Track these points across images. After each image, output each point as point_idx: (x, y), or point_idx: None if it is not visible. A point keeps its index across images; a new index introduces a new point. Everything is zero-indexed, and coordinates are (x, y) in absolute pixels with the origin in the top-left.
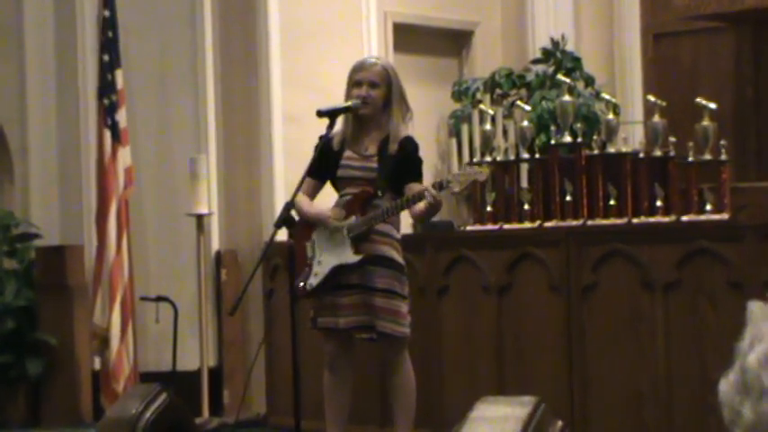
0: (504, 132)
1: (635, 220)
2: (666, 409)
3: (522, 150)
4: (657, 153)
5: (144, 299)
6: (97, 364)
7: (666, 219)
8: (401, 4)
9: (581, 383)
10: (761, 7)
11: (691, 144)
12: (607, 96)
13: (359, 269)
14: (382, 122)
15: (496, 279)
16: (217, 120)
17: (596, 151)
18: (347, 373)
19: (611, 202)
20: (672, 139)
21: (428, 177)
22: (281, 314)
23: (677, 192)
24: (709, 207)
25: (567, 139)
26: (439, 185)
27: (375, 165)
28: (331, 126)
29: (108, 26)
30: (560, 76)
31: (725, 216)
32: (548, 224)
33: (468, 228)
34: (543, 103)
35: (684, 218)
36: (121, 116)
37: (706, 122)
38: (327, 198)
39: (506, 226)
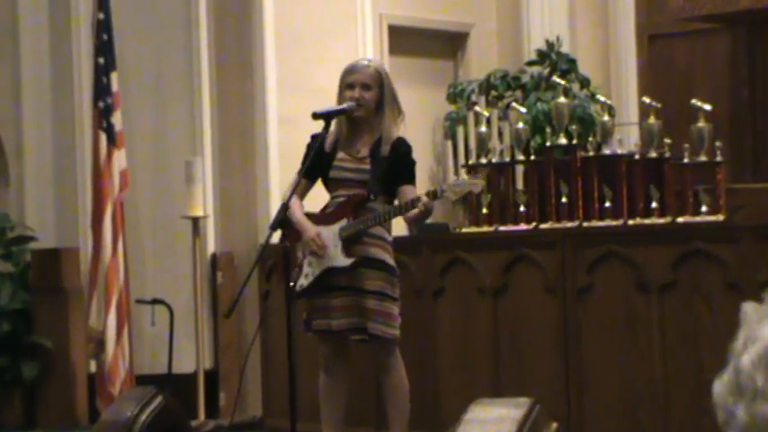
0: (500, 134)
1: (630, 222)
2: (662, 411)
3: (518, 152)
4: (653, 154)
5: (139, 302)
6: (93, 366)
7: (662, 220)
8: (396, 7)
9: (577, 385)
10: (756, 8)
11: (686, 145)
12: (602, 98)
13: (351, 271)
14: (374, 124)
15: (492, 281)
16: (212, 122)
17: (591, 153)
18: (342, 374)
19: (607, 204)
20: (667, 140)
21: (423, 179)
22: (277, 316)
23: (673, 193)
24: (704, 208)
25: (563, 140)
26: (433, 194)
27: (368, 167)
28: (326, 128)
29: (103, 29)
30: (555, 78)
31: (720, 217)
32: (543, 226)
33: (464, 230)
34: (538, 104)
35: (680, 219)
36: (117, 119)
37: (701, 124)
38: (320, 199)
39: (502, 228)
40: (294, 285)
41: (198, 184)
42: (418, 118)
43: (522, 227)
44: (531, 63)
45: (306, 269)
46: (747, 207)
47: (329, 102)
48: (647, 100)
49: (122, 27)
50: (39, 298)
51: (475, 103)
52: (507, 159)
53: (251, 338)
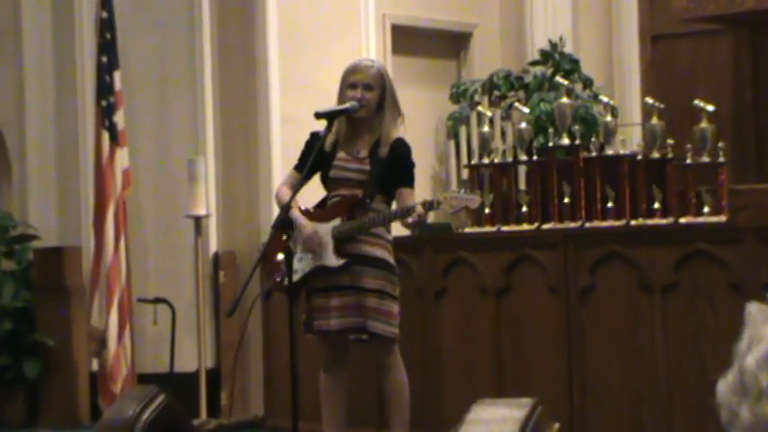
0: (503, 134)
1: (633, 223)
2: (665, 411)
3: (520, 152)
4: (655, 155)
5: (142, 300)
6: (95, 365)
7: (664, 221)
8: (399, 6)
9: (580, 385)
10: (759, 9)
11: (689, 146)
12: (605, 98)
13: (350, 270)
14: (374, 125)
15: (494, 281)
16: (215, 122)
17: (594, 153)
18: (343, 374)
19: (609, 205)
20: (670, 141)
21: (426, 179)
22: (279, 316)
23: (675, 194)
24: (706, 209)
25: (565, 141)
26: (429, 205)
27: (368, 167)
28: (329, 128)
29: (106, 28)
30: (558, 78)
31: (723, 218)
32: (546, 226)
33: (467, 230)
34: (541, 104)
35: (682, 220)
36: (119, 118)
37: (704, 124)
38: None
39: (504, 228)
40: (282, 279)
41: (200, 183)
42: (421, 118)
43: (525, 227)
44: (534, 63)
45: (296, 265)
46: (750, 208)
47: (332, 101)
48: (649, 100)
49: (125, 26)
50: (41, 296)
51: (478, 103)
52: (510, 159)
53: (254, 338)
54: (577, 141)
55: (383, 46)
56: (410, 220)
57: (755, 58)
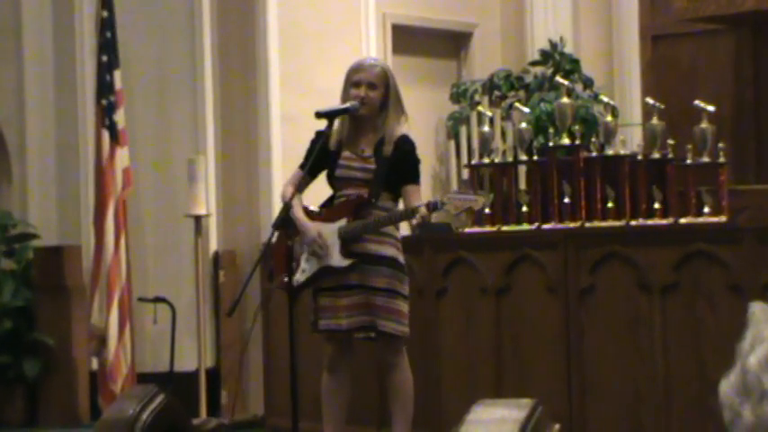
0: (503, 134)
1: (633, 223)
2: (665, 412)
3: (521, 152)
4: (656, 155)
5: (142, 300)
6: (95, 364)
7: (664, 221)
8: (400, 6)
9: (579, 386)
10: (760, 9)
11: (689, 146)
12: (605, 98)
13: (357, 269)
14: (378, 124)
15: (494, 281)
16: (215, 121)
17: (594, 153)
18: (346, 374)
19: (609, 205)
20: (670, 141)
21: (426, 179)
22: (279, 315)
23: (675, 194)
24: (707, 209)
25: (566, 141)
26: (433, 206)
27: (373, 166)
28: (329, 127)
29: (106, 27)
30: (559, 78)
31: (723, 219)
32: (546, 226)
33: (467, 230)
34: (542, 104)
35: (682, 220)
36: (120, 117)
37: (704, 125)
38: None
39: (504, 228)
40: (290, 279)
41: (200, 183)
42: (421, 118)
43: (525, 227)
44: (534, 63)
45: (303, 265)
46: (750, 208)
47: (332, 101)
48: (650, 101)
49: (126, 25)
50: (41, 295)
51: (478, 103)
52: (510, 159)
53: (254, 337)
54: (578, 141)
55: (383, 46)
56: (414, 221)
57: (756, 59)
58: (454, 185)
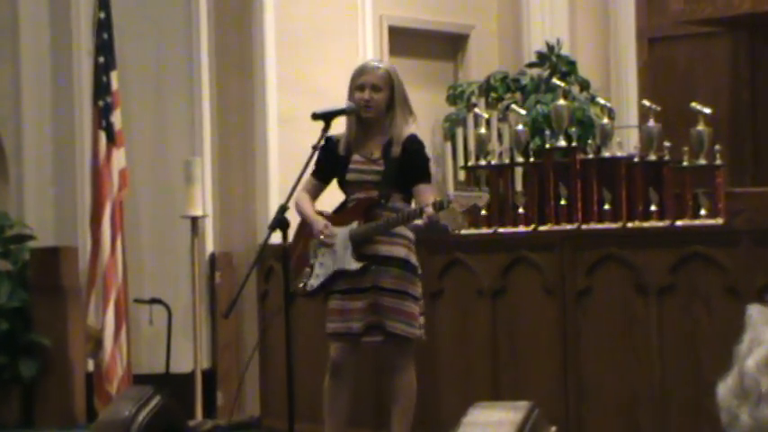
0: (499, 136)
1: (629, 225)
2: (661, 414)
3: (517, 154)
4: (652, 157)
5: (138, 301)
6: (91, 365)
7: (661, 223)
8: (397, 8)
9: (576, 387)
10: (756, 12)
11: (686, 148)
12: (602, 100)
13: (369, 271)
14: (386, 126)
15: (491, 283)
16: (212, 122)
17: (591, 155)
18: (350, 378)
19: (606, 207)
20: (667, 143)
21: None
22: (275, 317)
23: (672, 196)
24: (703, 212)
25: (562, 143)
26: (439, 205)
27: (382, 168)
28: (326, 129)
29: (103, 28)
30: (555, 80)
31: (719, 221)
32: (542, 228)
33: (463, 231)
34: (538, 106)
35: (679, 222)
36: (116, 118)
37: (701, 127)
38: (334, 200)
39: (501, 230)
40: (305, 285)
41: (197, 184)
42: (418, 119)
43: (521, 229)
44: (530, 65)
45: (317, 269)
46: (747, 211)
47: (329, 102)
48: (646, 103)
49: (122, 26)
50: (37, 297)
51: (474, 105)
52: (506, 161)
53: (250, 339)
54: (574, 143)
55: (380, 47)
56: (421, 222)
57: (752, 61)
58: (451, 187)
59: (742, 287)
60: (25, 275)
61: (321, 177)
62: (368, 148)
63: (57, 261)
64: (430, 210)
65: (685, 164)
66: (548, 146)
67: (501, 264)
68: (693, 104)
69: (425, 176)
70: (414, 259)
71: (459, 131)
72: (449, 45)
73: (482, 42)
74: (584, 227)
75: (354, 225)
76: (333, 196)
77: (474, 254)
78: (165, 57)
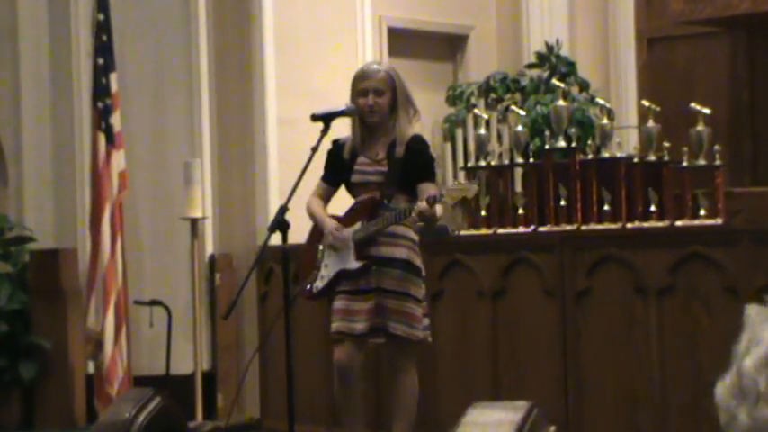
0: (499, 137)
1: (629, 225)
2: (660, 414)
3: (517, 155)
4: (652, 158)
5: (138, 303)
6: (91, 367)
7: (660, 224)
8: (396, 9)
9: (575, 388)
10: (755, 12)
11: (685, 149)
12: (601, 101)
13: (371, 272)
14: (390, 127)
15: (491, 284)
16: (211, 124)
17: (590, 156)
18: (358, 378)
19: (606, 207)
20: (666, 143)
21: None
22: (278, 320)
23: (671, 197)
24: (703, 212)
25: (562, 143)
26: (433, 199)
27: (386, 168)
28: (325, 130)
29: (102, 30)
30: (555, 81)
31: (719, 221)
32: (542, 229)
33: (463, 232)
34: (538, 107)
35: (678, 223)
36: (116, 120)
37: (700, 127)
38: (343, 203)
39: (501, 231)
40: (311, 287)
41: (197, 186)
42: (421, 116)
43: (521, 230)
44: (530, 66)
45: (322, 271)
46: (746, 211)
47: (328, 104)
48: (646, 103)
49: (122, 28)
50: (37, 299)
51: (474, 106)
52: (506, 162)
53: (250, 340)
54: (574, 144)
55: (380, 48)
56: (415, 215)
57: (751, 61)
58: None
59: (741, 287)
60: (25, 277)
61: (330, 181)
62: (373, 150)
63: (56, 263)
64: (421, 205)
65: (685, 164)
66: (547, 147)
67: (501, 264)
68: (693, 105)
69: (429, 175)
70: (417, 261)
71: (459, 132)
72: (448, 46)
73: (481, 43)
74: (583, 227)
75: (357, 226)
76: (345, 201)
77: (474, 255)
78: (164, 58)
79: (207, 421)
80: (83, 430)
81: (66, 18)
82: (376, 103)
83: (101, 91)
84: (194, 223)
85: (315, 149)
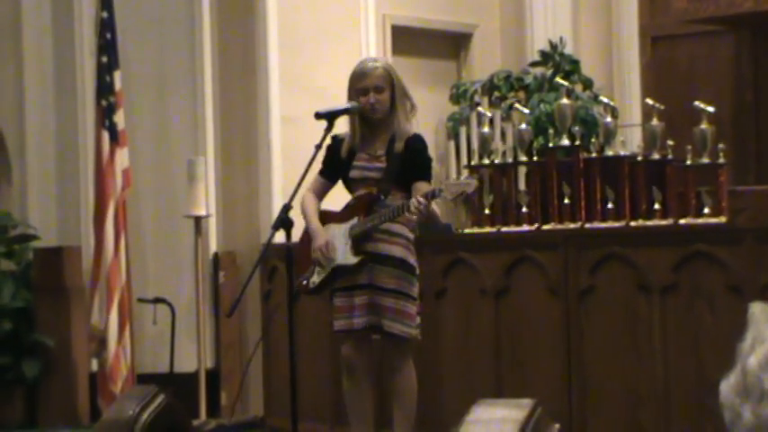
0: (503, 135)
1: (633, 224)
2: (664, 412)
3: (520, 153)
4: (655, 156)
5: (141, 300)
6: (94, 365)
7: (664, 222)
8: (399, 7)
9: (579, 386)
10: (759, 11)
11: (689, 147)
12: (605, 99)
13: (367, 269)
14: (389, 123)
15: (494, 282)
16: (215, 122)
17: (594, 154)
18: (365, 375)
19: (609, 205)
20: (670, 142)
21: None
22: (279, 316)
23: (675, 195)
24: (706, 210)
25: (565, 141)
26: (431, 194)
27: (384, 165)
28: (329, 128)
29: (106, 28)
30: (558, 79)
31: (722, 219)
32: (546, 227)
33: (466, 230)
34: (541, 105)
35: (682, 221)
36: (119, 118)
37: (704, 125)
38: (342, 198)
39: (504, 229)
40: (308, 282)
41: (200, 184)
42: (421, 118)
43: (525, 228)
44: (534, 64)
45: (318, 267)
46: (750, 209)
47: (332, 101)
48: (649, 101)
49: (125, 26)
50: (40, 296)
51: (478, 104)
52: (510, 160)
53: (254, 338)
54: (577, 142)
55: (383, 46)
56: (412, 208)
57: (755, 60)
58: None
59: (745, 285)
60: (29, 275)
61: (328, 176)
62: (373, 147)
63: (60, 261)
64: (416, 202)
65: (688, 162)
66: (551, 145)
67: (504, 263)
68: (696, 103)
69: (425, 175)
70: (412, 259)
71: (463, 130)
72: (452, 44)
73: (485, 41)
74: (587, 226)
75: (354, 221)
76: (344, 197)
77: (477, 253)
78: (168, 56)
79: (210, 419)
80: (86, 428)
81: (69, 16)
82: (378, 100)
83: (104, 89)
84: (198, 221)
85: (318, 147)
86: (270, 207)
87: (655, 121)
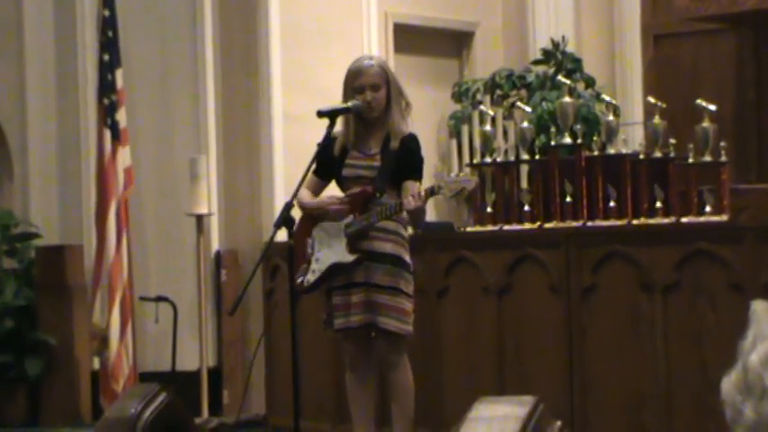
0: (505, 133)
1: (635, 222)
2: (666, 410)
3: (523, 151)
4: (657, 154)
5: (143, 299)
6: (96, 364)
7: (666, 220)
8: (402, 5)
9: (581, 384)
10: (761, 9)
11: (691, 145)
12: (607, 98)
13: (363, 266)
14: (384, 121)
15: (496, 280)
16: (217, 120)
17: (596, 152)
18: (369, 371)
19: (611, 204)
20: (672, 140)
21: (428, 178)
22: (281, 314)
23: (677, 193)
24: (708, 209)
25: (567, 140)
26: (430, 191)
27: (378, 163)
28: (331, 126)
29: (108, 26)
30: (561, 78)
31: (724, 218)
32: (548, 225)
33: (468, 229)
34: (543, 104)
35: (684, 219)
36: (121, 116)
37: (706, 124)
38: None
39: (506, 227)
40: (302, 281)
41: (202, 182)
42: (423, 117)
43: (527, 226)
44: (536, 62)
45: (313, 265)
46: (751, 208)
47: (334, 99)
48: (651, 100)
49: (127, 24)
50: (43, 295)
51: (480, 102)
52: (512, 159)
53: (256, 336)
54: (579, 140)
55: (385, 45)
56: (406, 204)
57: (758, 58)
58: None
59: (747, 283)
60: (31, 274)
61: (321, 175)
62: (367, 145)
63: (62, 259)
64: (409, 200)
65: (690, 161)
66: (553, 143)
67: (506, 261)
68: (698, 101)
69: (415, 174)
70: (406, 257)
71: (465, 129)
72: (454, 42)
73: (487, 40)
74: (589, 224)
75: (349, 219)
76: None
77: (479, 251)
78: (170, 54)
79: (213, 417)
80: (88, 426)
81: (71, 14)
82: (374, 98)
83: (106, 87)
84: (200, 219)
85: (320, 145)
86: (272, 205)
87: (657, 120)
